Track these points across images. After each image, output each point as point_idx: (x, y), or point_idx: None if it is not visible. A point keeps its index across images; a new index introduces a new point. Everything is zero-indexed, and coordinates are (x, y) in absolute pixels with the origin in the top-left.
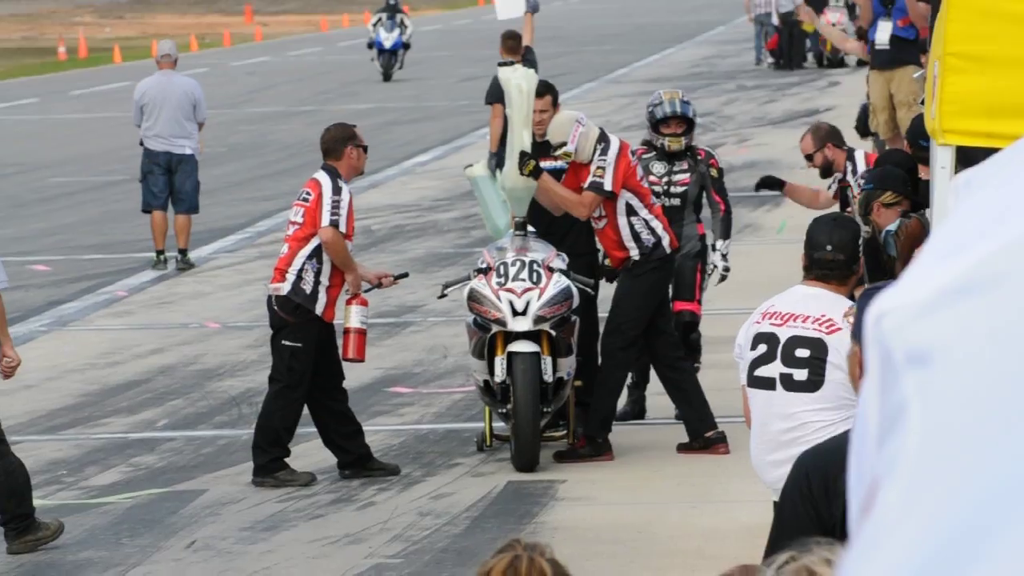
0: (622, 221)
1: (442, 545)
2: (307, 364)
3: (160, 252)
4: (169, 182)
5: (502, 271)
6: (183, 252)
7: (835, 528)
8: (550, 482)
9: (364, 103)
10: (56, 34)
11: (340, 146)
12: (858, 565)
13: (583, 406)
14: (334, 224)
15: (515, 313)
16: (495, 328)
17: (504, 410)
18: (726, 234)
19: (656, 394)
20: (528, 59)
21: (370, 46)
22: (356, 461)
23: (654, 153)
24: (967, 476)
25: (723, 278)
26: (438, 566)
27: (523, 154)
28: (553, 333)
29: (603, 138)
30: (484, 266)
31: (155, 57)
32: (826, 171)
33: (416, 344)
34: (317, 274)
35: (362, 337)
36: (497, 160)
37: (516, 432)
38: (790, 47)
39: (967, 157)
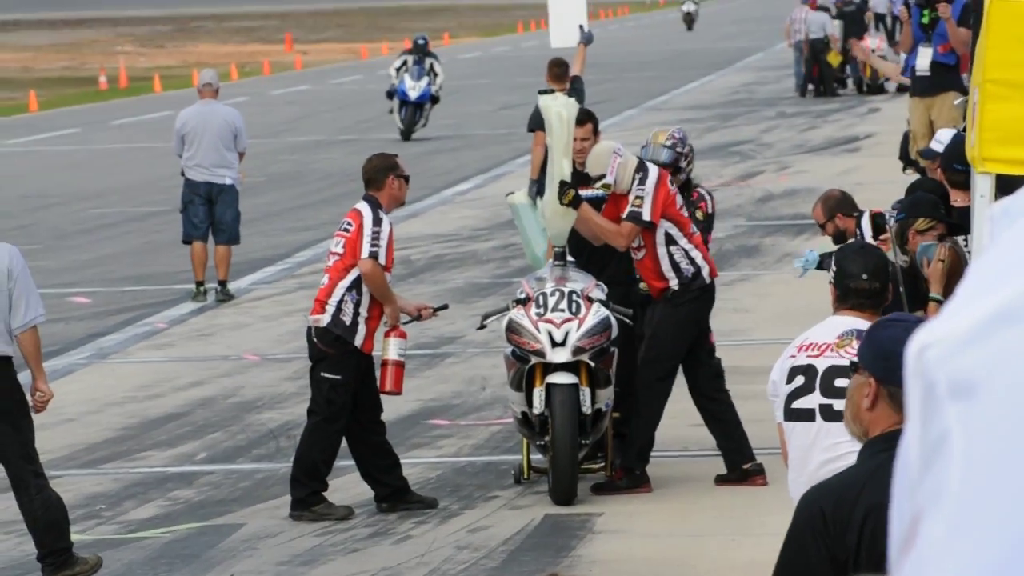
0: (661, 251)
1: None
2: (346, 397)
3: (200, 283)
4: (210, 212)
5: (541, 301)
6: (223, 283)
7: (847, 561)
8: (588, 515)
9: None
10: (97, 64)
11: (382, 176)
12: None
13: (621, 437)
14: (373, 256)
15: (554, 344)
16: (534, 359)
17: (542, 442)
18: None
19: (694, 425)
20: (576, 88)
21: (390, 95)
22: (393, 494)
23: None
24: (1012, 507)
25: None
26: None
27: (563, 183)
28: (592, 364)
29: (641, 167)
30: (523, 296)
31: (196, 86)
32: (839, 239)
33: (455, 376)
34: (357, 305)
35: (400, 370)
36: (538, 188)
37: (554, 464)
38: (819, 74)
39: (1006, 185)
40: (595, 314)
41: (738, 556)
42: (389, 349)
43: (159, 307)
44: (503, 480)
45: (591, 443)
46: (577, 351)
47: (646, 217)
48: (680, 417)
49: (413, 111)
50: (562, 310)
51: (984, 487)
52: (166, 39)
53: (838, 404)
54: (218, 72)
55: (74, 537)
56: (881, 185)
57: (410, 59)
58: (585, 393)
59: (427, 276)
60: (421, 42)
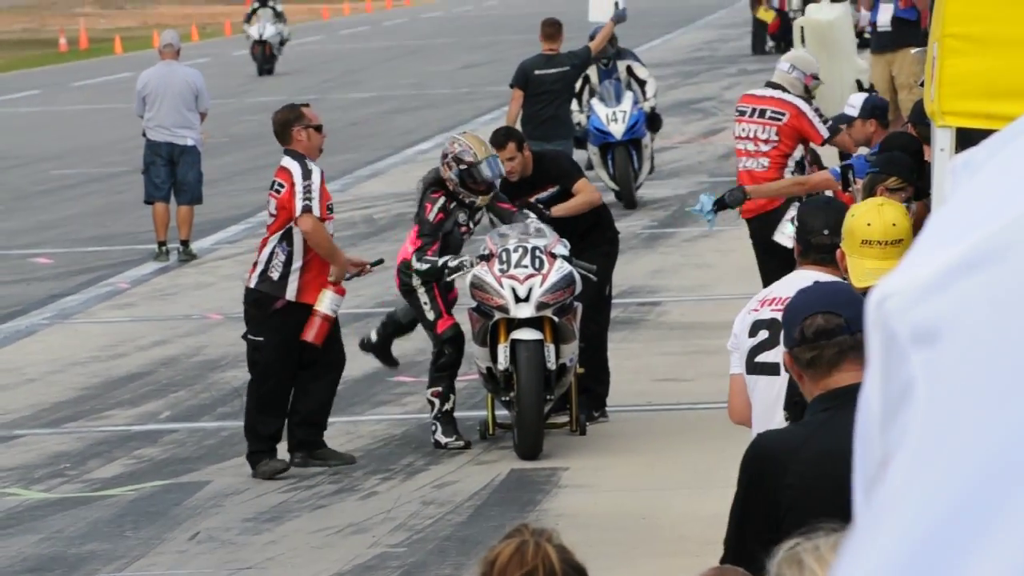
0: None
1: (445, 534)
2: (272, 356)
3: (162, 243)
4: (172, 173)
5: (504, 258)
6: (185, 243)
7: (790, 508)
8: (553, 470)
9: (365, 91)
10: (57, 25)
11: (287, 130)
12: (865, 539)
13: (587, 392)
14: (307, 209)
15: (518, 300)
16: (498, 315)
17: (507, 398)
18: None
19: (658, 380)
20: (580, 55)
21: (581, 142)
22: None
23: (455, 203)
24: (975, 444)
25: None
26: (441, 555)
27: None
28: (556, 319)
29: None
30: (486, 253)
31: (157, 47)
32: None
33: (418, 332)
34: (288, 257)
35: (326, 324)
36: None
37: (520, 420)
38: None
39: (966, 139)
40: (558, 270)
41: (703, 509)
42: (323, 301)
43: (121, 267)
44: (468, 436)
45: (556, 398)
46: (541, 307)
47: None
48: (643, 372)
49: (626, 156)
50: (525, 266)
51: (948, 428)
52: (126, 0)
53: None
54: (179, 33)
55: (38, 496)
56: None
57: (592, 74)
58: (549, 349)
59: (390, 235)
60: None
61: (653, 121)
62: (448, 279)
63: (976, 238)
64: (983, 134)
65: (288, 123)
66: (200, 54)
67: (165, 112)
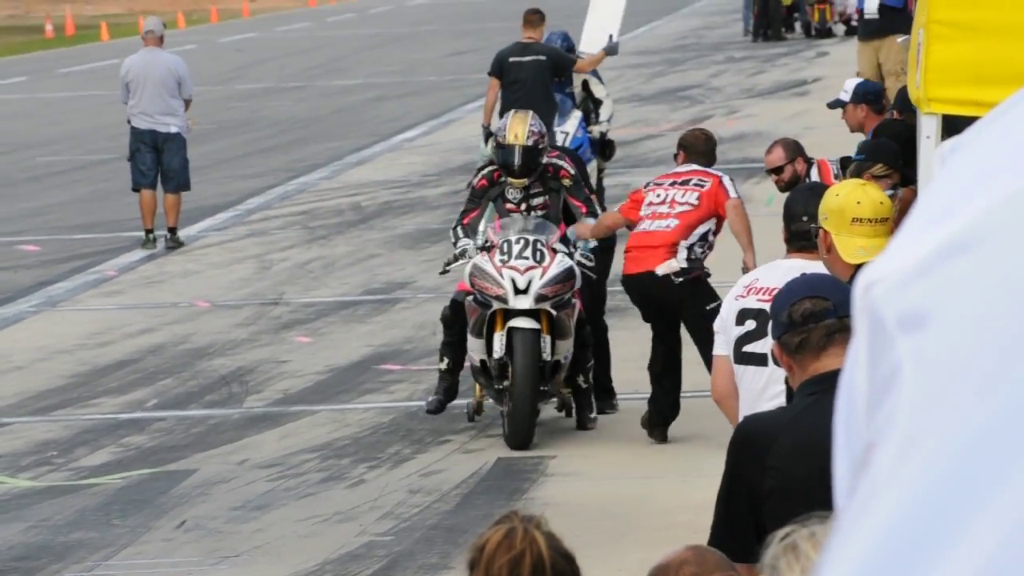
0: None
1: (432, 522)
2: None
3: (149, 231)
4: (157, 160)
5: (505, 248)
6: (172, 230)
7: (771, 490)
8: (540, 458)
9: (352, 79)
10: (43, 12)
11: (714, 149)
12: (851, 524)
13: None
14: (738, 197)
15: (517, 291)
16: (496, 304)
17: (500, 386)
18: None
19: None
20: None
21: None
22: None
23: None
24: (961, 428)
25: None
26: (428, 543)
27: None
28: (554, 313)
29: None
30: (487, 243)
31: (141, 34)
32: (792, 185)
33: (406, 321)
34: (704, 254)
35: None
36: (485, 133)
37: (513, 410)
38: (766, 16)
39: (953, 126)
40: (559, 263)
41: (692, 496)
42: None
43: (108, 255)
44: (455, 424)
45: (549, 392)
46: (540, 299)
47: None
48: (631, 360)
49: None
50: (526, 258)
51: (935, 412)
52: None
53: None
54: (165, 20)
55: (25, 484)
56: (830, 129)
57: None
58: (546, 340)
59: (377, 222)
60: (560, 42)
61: (604, 147)
62: (448, 268)
63: (961, 221)
64: (969, 121)
65: (716, 145)
66: (187, 41)
67: (147, 99)
